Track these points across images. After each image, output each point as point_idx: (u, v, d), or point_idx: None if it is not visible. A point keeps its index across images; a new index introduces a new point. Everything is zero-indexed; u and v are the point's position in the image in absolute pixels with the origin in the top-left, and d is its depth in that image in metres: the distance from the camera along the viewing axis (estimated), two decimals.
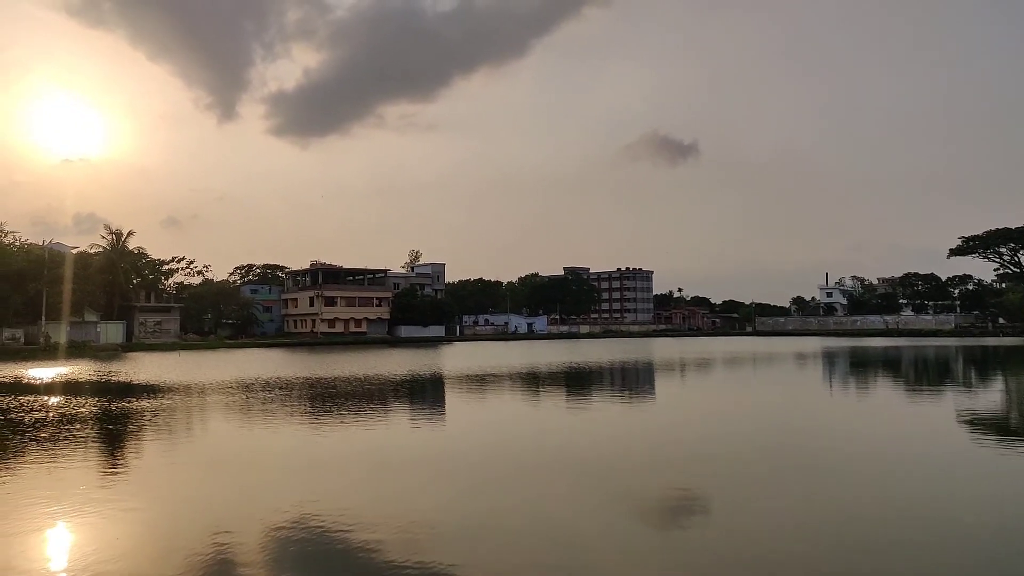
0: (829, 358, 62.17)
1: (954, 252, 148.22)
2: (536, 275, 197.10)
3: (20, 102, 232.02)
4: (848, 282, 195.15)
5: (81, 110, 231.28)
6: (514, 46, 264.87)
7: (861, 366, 52.87)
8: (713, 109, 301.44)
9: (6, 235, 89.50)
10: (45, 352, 73.99)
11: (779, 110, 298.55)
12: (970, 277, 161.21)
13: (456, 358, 64.59)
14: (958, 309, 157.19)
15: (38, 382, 40.33)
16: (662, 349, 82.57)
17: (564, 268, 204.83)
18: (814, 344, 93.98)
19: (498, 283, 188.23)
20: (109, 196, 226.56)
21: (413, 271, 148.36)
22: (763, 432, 20.46)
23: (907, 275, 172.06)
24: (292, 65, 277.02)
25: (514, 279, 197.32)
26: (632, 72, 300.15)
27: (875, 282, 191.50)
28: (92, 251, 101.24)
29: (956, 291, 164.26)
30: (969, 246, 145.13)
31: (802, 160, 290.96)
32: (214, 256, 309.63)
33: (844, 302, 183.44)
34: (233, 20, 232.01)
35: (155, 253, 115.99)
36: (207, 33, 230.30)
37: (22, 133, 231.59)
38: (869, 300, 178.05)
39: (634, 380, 42.51)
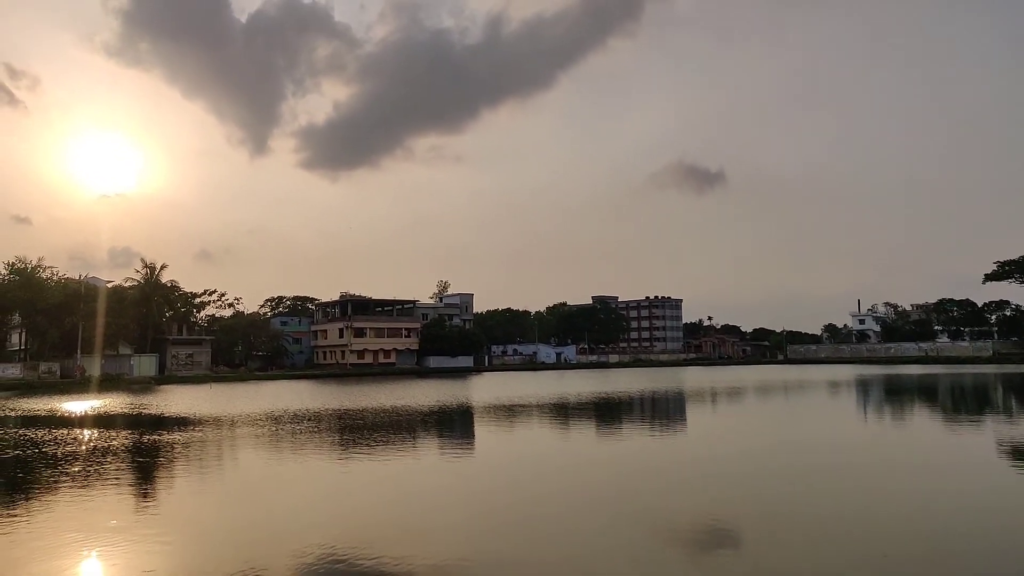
0: (863, 386, 61.10)
1: (990, 277, 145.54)
2: (564, 304, 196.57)
3: (61, 140, 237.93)
4: (881, 308, 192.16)
5: (118, 147, 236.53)
6: (540, 78, 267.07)
7: (897, 394, 51.89)
8: (739, 136, 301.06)
9: (44, 270, 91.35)
10: (80, 385, 74.96)
11: (805, 136, 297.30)
12: (1007, 303, 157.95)
13: (484, 388, 64.40)
14: (995, 336, 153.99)
15: (71, 415, 40.81)
16: (692, 378, 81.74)
17: (592, 297, 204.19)
18: (847, 372, 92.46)
19: (526, 313, 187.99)
20: (144, 230, 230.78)
21: (441, 301, 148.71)
22: (798, 468, 20.07)
23: (941, 301, 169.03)
24: (322, 99, 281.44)
25: (542, 308, 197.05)
26: (657, 101, 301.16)
27: (908, 308, 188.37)
28: (127, 285, 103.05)
29: (993, 317, 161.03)
30: (1005, 271, 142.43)
31: (831, 186, 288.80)
32: (245, 288, 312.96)
33: (877, 329, 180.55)
34: (265, 57, 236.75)
35: (187, 286, 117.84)
36: (240, 70, 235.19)
37: (62, 170, 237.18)
38: (903, 327, 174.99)
39: (665, 410, 42.06)
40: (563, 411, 39.78)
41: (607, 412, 39.41)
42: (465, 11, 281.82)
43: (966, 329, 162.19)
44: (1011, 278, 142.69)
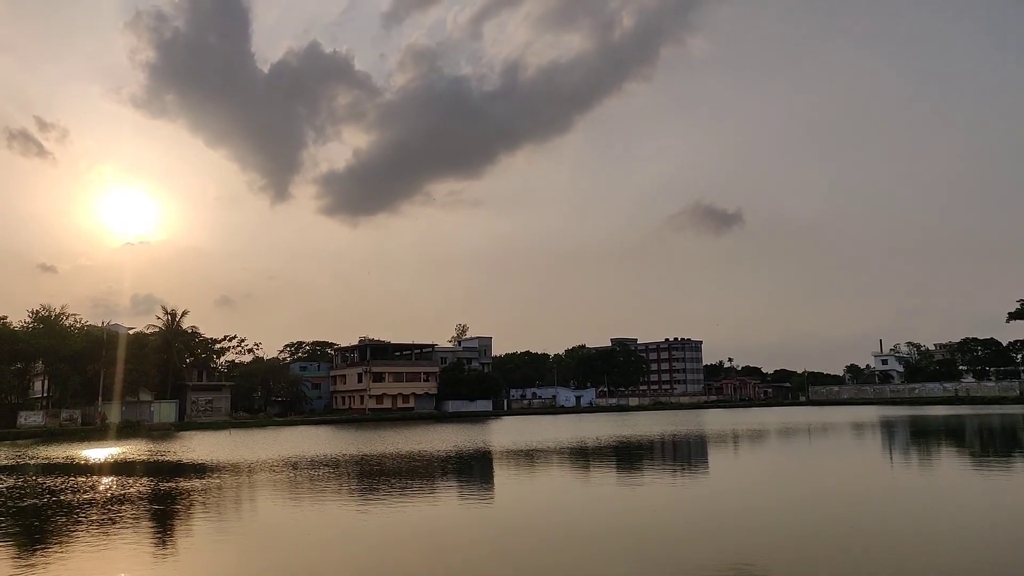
0: (888, 428, 60.09)
1: (1013, 316, 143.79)
2: (583, 347, 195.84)
3: (87, 190, 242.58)
4: (903, 348, 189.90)
5: (142, 195, 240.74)
6: (557, 122, 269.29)
7: (923, 436, 50.97)
8: (756, 177, 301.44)
9: (67, 318, 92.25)
10: (100, 432, 75.15)
11: (823, 176, 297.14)
12: None
13: (504, 433, 63.93)
14: (1022, 375, 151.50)
15: (90, 463, 40.85)
16: (714, 421, 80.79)
17: (611, 339, 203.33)
18: (871, 413, 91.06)
19: (545, 356, 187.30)
20: (166, 277, 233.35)
21: (460, 345, 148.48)
22: (822, 515, 19.67)
23: (965, 340, 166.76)
24: (342, 146, 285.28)
25: (561, 351, 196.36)
26: (674, 143, 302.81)
27: (932, 348, 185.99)
28: (148, 331, 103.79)
29: (1019, 356, 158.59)
30: None
31: (849, 225, 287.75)
32: (265, 334, 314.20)
33: (900, 369, 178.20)
34: (286, 106, 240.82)
35: (208, 332, 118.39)
36: (262, 119, 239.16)
37: (88, 219, 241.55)
38: (926, 367, 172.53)
39: (686, 455, 41.50)
40: (583, 456, 39.35)
41: (627, 457, 38.95)
42: (483, 58, 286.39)
43: (991, 369, 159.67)
44: None
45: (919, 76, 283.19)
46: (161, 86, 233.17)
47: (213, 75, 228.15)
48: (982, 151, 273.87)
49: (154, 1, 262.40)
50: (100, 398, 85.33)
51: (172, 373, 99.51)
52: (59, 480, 30.04)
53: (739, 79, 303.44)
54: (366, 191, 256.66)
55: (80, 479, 30.54)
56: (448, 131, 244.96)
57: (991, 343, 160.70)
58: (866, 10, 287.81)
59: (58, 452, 48.70)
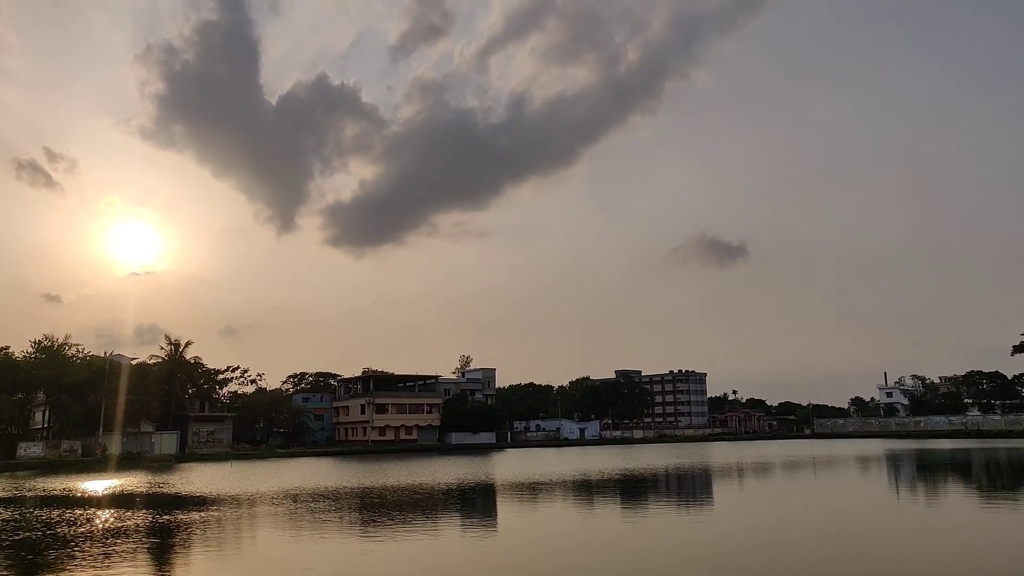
0: (894, 462, 59.53)
1: (1017, 349, 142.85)
2: (587, 379, 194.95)
3: (94, 220, 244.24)
4: (908, 381, 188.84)
5: (149, 225, 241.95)
6: (563, 155, 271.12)
7: (930, 470, 50.46)
8: (760, 210, 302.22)
9: (70, 348, 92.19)
10: (100, 464, 74.73)
11: (826, 208, 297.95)
12: None
13: (507, 466, 63.45)
14: None
15: (89, 495, 40.53)
16: (718, 454, 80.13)
17: (615, 371, 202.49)
18: (876, 447, 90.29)
19: (549, 387, 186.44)
20: (171, 307, 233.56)
21: (464, 377, 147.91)
22: (827, 554, 19.39)
23: (970, 373, 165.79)
24: (349, 178, 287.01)
25: (565, 383, 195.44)
26: (678, 176, 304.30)
27: (936, 381, 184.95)
28: (151, 361, 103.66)
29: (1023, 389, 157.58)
30: None
31: (852, 258, 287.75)
32: (268, 364, 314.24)
33: (905, 402, 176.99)
34: (294, 137, 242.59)
35: (211, 362, 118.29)
36: (269, 150, 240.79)
37: (94, 249, 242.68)
38: (932, 400, 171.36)
39: (691, 488, 41.09)
40: (587, 489, 38.97)
41: (632, 491, 38.56)
42: (489, 91, 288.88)
43: (997, 402, 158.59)
44: None
45: (921, 109, 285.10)
46: (170, 117, 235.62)
47: (222, 107, 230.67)
48: (985, 184, 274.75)
49: (165, 34, 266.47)
50: (101, 429, 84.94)
51: (174, 404, 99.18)
52: (55, 513, 29.77)
53: (743, 112, 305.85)
54: (372, 222, 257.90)
55: (77, 512, 30.26)
56: (454, 163, 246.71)
57: (996, 376, 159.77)
58: (869, 44, 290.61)
59: (56, 484, 48.36)
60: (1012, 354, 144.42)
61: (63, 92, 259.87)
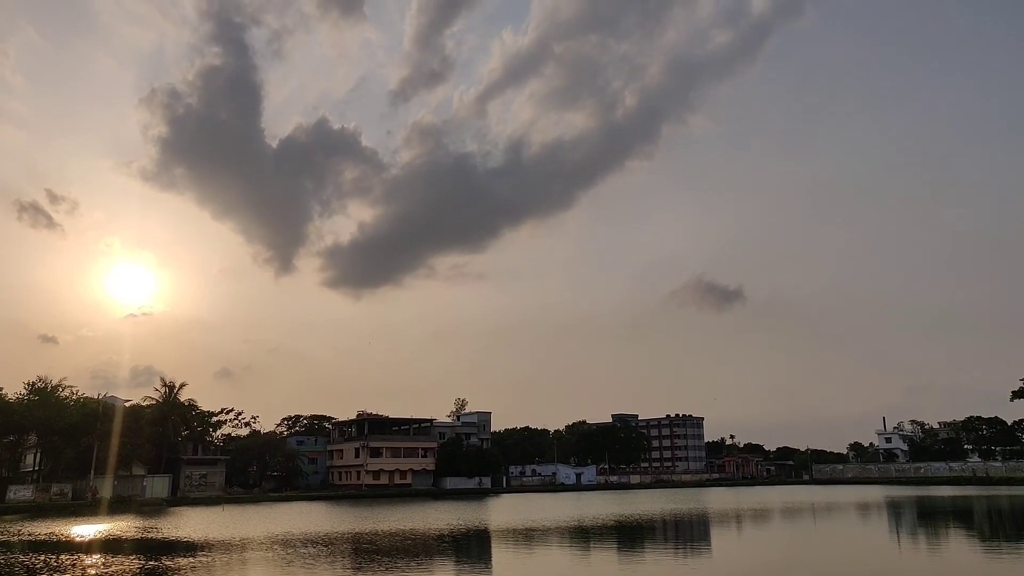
0: (895, 509, 58.87)
1: (1017, 394, 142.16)
2: (583, 423, 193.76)
3: (93, 261, 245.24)
4: (907, 427, 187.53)
5: (148, 267, 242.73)
6: (560, 198, 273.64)
7: (931, 517, 49.85)
8: (756, 254, 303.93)
9: (63, 389, 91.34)
10: (90, 508, 73.66)
11: (824, 253, 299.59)
12: None
13: (502, 511, 62.64)
14: None
15: (77, 540, 39.84)
16: (716, 500, 79.25)
17: (612, 415, 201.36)
18: (876, 493, 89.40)
19: (545, 431, 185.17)
20: (167, 348, 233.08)
21: (459, 420, 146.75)
22: None
23: (969, 419, 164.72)
24: (348, 220, 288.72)
25: (561, 427, 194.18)
26: (675, 220, 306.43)
27: (936, 426, 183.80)
28: (144, 404, 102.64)
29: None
30: None
31: (850, 302, 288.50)
32: (264, 406, 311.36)
33: (904, 448, 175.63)
34: (293, 180, 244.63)
35: (206, 404, 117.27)
36: (269, 193, 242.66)
37: (92, 290, 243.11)
38: (931, 446, 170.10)
39: (689, 534, 40.51)
40: (583, 535, 38.41)
41: (628, 537, 38.00)
42: (488, 136, 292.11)
43: (997, 448, 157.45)
44: None
45: (919, 153, 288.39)
46: (171, 160, 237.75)
47: (223, 150, 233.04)
48: (984, 228, 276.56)
49: (169, 79, 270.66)
50: (92, 472, 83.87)
51: (167, 446, 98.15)
52: (41, 558, 29.21)
53: (739, 156, 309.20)
54: (370, 264, 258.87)
55: (63, 557, 29.69)
56: (452, 206, 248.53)
57: (996, 422, 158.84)
58: (864, 87, 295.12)
59: (45, 528, 47.57)
60: (1011, 399, 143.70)
61: (67, 134, 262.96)
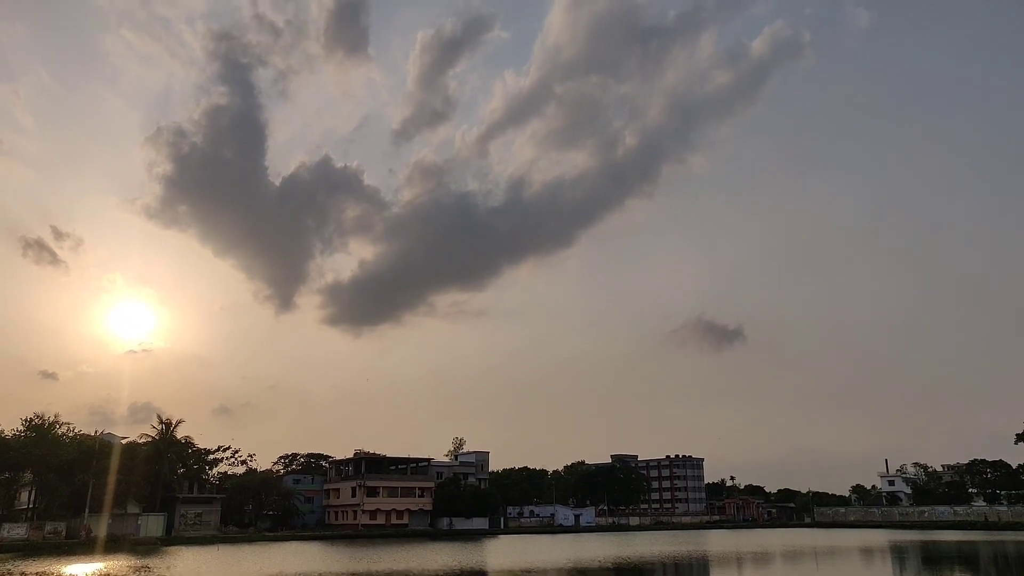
0: (899, 555, 58.10)
1: (1021, 437, 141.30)
2: (583, 463, 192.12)
3: (95, 298, 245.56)
4: (910, 469, 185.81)
5: (149, 303, 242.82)
6: (561, 236, 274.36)
7: (936, 564, 49.17)
8: (756, 294, 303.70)
9: (60, 426, 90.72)
10: (84, 547, 72.75)
11: (824, 292, 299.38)
12: None
13: (500, 553, 61.85)
14: None
15: None
16: (717, 542, 78.27)
17: (611, 456, 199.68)
18: (879, 538, 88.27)
19: (543, 472, 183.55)
20: (166, 385, 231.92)
21: (457, 459, 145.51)
22: None
23: (973, 462, 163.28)
24: (349, 258, 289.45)
25: (560, 467, 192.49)
26: (675, 259, 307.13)
27: (939, 469, 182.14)
28: (141, 441, 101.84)
29: None
30: None
31: (851, 343, 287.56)
32: (261, 444, 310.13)
33: (907, 491, 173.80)
34: (296, 218, 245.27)
35: (203, 442, 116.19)
36: (271, 230, 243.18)
37: (93, 326, 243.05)
38: (935, 489, 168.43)
39: None
40: None
41: None
42: (489, 175, 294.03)
43: (1002, 492, 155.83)
44: None
45: (915, 193, 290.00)
46: (175, 197, 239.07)
47: (226, 187, 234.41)
48: (986, 270, 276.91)
49: (175, 118, 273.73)
50: (87, 510, 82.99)
51: (162, 485, 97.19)
52: None
53: (739, 196, 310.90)
54: (370, 302, 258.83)
55: None
56: (453, 244, 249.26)
57: (1000, 465, 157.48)
58: (862, 129, 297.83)
59: (37, 567, 46.96)
60: (1016, 442, 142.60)
61: (74, 172, 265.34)
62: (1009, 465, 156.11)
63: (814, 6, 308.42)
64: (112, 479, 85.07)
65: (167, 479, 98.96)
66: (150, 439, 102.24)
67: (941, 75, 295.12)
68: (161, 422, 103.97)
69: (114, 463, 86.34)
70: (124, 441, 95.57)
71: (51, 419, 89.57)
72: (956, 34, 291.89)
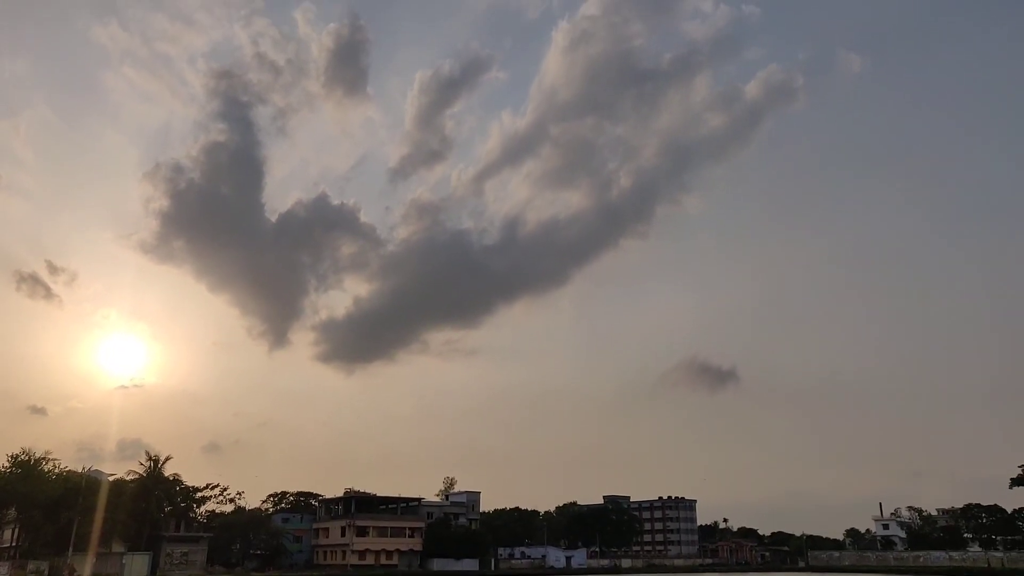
0: None
1: (1016, 482, 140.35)
2: (575, 504, 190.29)
3: (88, 333, 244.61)
4: (905, 513, 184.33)
5: (142, 338, 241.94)
6: (555, 275, 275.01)
7: None
8: (750, 335, 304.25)
9: (47, 462, 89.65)
10: None
11: (817, 335, 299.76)
12: None
13: None
14: None
15: None
16: None
17: (604, 497, 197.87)
18: None
19: (535, 512, 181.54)
20: (156, 421, 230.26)
21: (447, 499, 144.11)
22: None
23: (968, 506, 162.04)
24: (343, 294, 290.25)
25: (551, 508, 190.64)
26: (669, 299, 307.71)
27: (934, 513, 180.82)
28: (128, 478, 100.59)
29: None
30: None
31: (845, 385, 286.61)
32: (251, 482, 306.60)
33: (902, 535, 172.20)
34: (291, 254, 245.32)
35: (192, 479, 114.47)
36: (266, 266, 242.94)
37: (85, 362, 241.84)
38: (930, 533, 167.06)
39: None
40: None
41: None
42: (485, 214, 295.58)
43: (998, 538, 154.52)
44: None
45: (912, 235, 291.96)
46: (171, 233, 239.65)
47: (222, 223, 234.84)
48: (981, 313, 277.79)
49: (174, 154, 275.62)
50: (71, 549, 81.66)
51: (148, 523, 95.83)
52: None
53: (732, 237, 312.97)
54: (363, 338, 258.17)
55: None
56: (448, 282, 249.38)
57: (995, 510, 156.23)
58: (855, 172, 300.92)
59: None
60: (1010, 487, 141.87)
61: (71, 207, 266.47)
62: (1004, 510, 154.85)
63: (807, 51, 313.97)
64: (99, 517, 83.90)
65: (154, 517, 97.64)
66: (138, 476, 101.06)
67: (932, 120, 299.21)
68: (149, 459, 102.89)
69: (101, 500, 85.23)
70: (111, 478, 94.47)
71: (37, 455, 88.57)
72: (946, 80, 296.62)
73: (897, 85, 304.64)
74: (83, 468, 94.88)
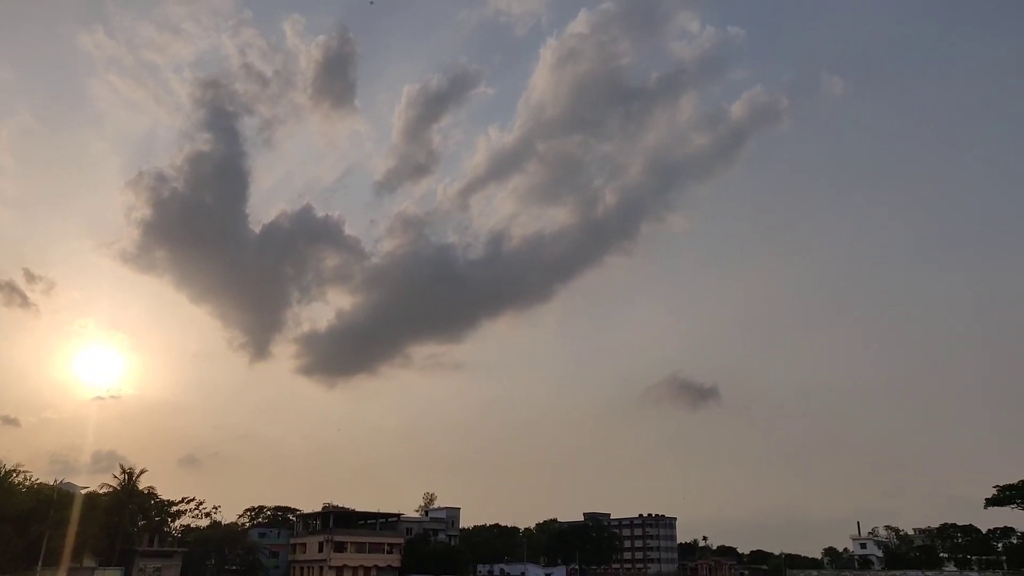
0: None
1: (991, 502, 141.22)
2: (555, 521, 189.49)
3: (64, 342, 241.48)
4: (882, 532, 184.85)
5: (121, 349, 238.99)
6: (539, 291, 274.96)
7: None
8: (732, 353, 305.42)
9: (18, 474, 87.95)
10: None
11: (797, 353, 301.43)
12: (1012, 530, 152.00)
13: None
14: (1005, 566, 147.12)
15: None
16: None
17: (584, 513, 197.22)
18: None
19: (515, 529, 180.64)
20: (132, 433, 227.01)
21: (427, 515, 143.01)
22: None
23: (944, 526, 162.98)
24: (326, 307, 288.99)
25: (532, 524, 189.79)
26: (652, 316, 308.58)
27: (911, 532, 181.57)
28: (102, 491, 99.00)
29: (999, 544, 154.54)
30: (1006, 495, 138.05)
31: (827, 405, 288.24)
32: (229, 496, 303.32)
33: (880, 554, 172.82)
34: (274, 266, 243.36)
35: (168, 492, 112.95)
36: (248, 278, 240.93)
37: (61, 372, 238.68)
38: (906, 553, 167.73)
39: None
40: None
41: None
42: (470, 228, 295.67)
43: (973, 557, 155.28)
44: (1012, 503, 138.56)
45: (889, 257, 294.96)
46: (152, 242, 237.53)
47: (205, 234, 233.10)
48: (962, 332, 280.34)
49: (157, 163, 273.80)
50: (40, 564, 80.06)
51: (121, 537, 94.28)
52: None
53: (716, 255, 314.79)
54: (346, 352, 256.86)
55: None
56: (432, 296, 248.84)
57: (970, 529, 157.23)
58: (838, 193, 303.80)
59: None
60: (985, 507, 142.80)
61: (52, 215, 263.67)
62: (979, 530, 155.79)
63: (791, 73, 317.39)
64: (70, 531, 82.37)
65: (127, 531, 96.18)
66: (111, 489, 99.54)
67: (913, 141, 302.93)
68: (123, 471, 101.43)
69: (73, 514, 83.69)
70: (84, 491, 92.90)
71: (7, 467, 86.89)
72: (928, 101, 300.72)
73: (880, 107, 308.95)
74: (55, 480, 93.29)
